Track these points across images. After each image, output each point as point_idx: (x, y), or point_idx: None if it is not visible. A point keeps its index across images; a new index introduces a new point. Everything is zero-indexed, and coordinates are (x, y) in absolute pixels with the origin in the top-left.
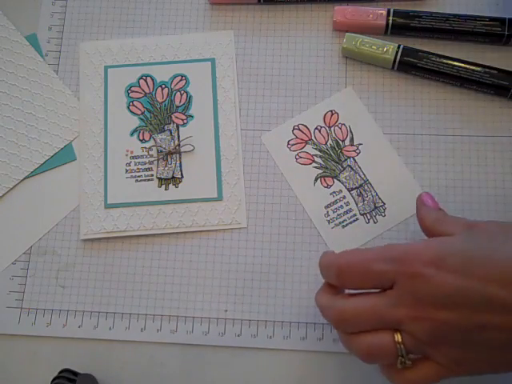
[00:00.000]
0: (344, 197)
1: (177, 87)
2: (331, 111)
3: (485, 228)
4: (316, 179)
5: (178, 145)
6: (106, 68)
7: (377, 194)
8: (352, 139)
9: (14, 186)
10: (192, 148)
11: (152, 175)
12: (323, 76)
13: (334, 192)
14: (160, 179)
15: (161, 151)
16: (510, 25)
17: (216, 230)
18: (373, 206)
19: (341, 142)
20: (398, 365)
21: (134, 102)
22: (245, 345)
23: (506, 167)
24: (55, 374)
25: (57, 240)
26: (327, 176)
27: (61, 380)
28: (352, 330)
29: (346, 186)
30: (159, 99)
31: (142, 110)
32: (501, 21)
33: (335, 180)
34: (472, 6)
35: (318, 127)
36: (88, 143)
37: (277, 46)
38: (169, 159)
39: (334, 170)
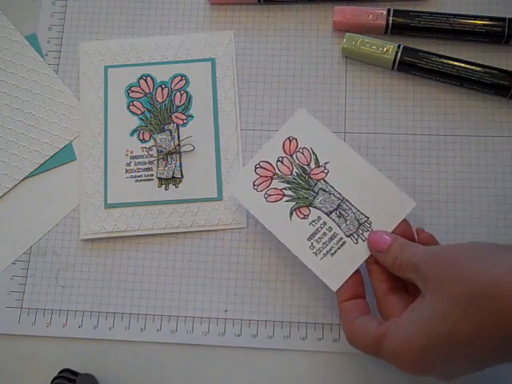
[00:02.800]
0: (325, 223)
1: (177, 87)
2: (289, 138)
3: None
4: (291, 213)
5: (178, 145)
6: (106, 68)
7: (358, 210)
8: (317, 160)
9: (14, 186)
10: (192, 148)
11: (152, 175)
12: (323, 76)
13: (313, 221)
14: (160, 179)
15: (161, 151)
16: (510, 25)
17: (216, 230)
18: (357, 224)
19: (306, 167)
20: None
21: (134, 102)
22: (245, 345)
23: (506, 167)
24: (55, 373)
25: (57, 240)
26: (301, 206)
27: (61, 380)
28: None
29: (323, 211)
30: (159, 99)
31: (142, 110)
32: (501, 21)
33: (311, 208)
34: (472, 5)
35: (280, 158)
36: (88, 143)
37: (277, 46)
38: (169, 159)
39: (307, 198)
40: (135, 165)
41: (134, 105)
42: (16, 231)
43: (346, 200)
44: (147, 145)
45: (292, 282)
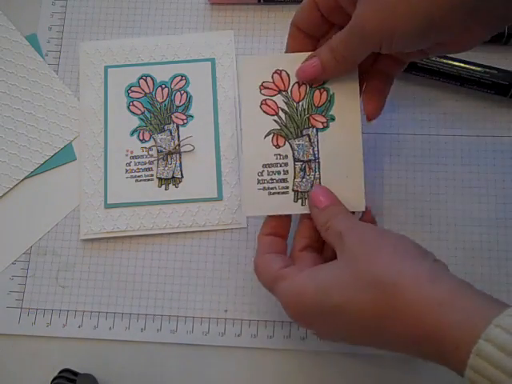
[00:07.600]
0: (286, 164)
1: (177, 87)
2: None
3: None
4: (269, 134)
5: (178, 145)
6: (106, 68)
7: (319, 178)
8: (327, 109)
9: (14, 186)
10: (192, 148)
11: (152, 175)
12: None
13: (280, 155)
14: (160, 179)
15: (161, 151)
16: (510, 25)
17: (216, 230)
18: (309, 187)
19: (314, 108)
20: None
21: (134, 102)
22: (245, 345)
23: (506, 167)
24: (55, 374)
25: (57, 240)
26: (281, 135)
27: (61, 380)
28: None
29: (293, 155)
30: (159, 99)
31: (142, 110)
32: None
33: (287, 143)
34: None
35: (301, 82)
36: (88, 143)
37: (277, 46)
38: (169, 159)
39: (291, 133)
40: (135, 165)
41: (134, 105)
42: (16, 231)
43: (318, 162)
44: (147, 145)
45: None
